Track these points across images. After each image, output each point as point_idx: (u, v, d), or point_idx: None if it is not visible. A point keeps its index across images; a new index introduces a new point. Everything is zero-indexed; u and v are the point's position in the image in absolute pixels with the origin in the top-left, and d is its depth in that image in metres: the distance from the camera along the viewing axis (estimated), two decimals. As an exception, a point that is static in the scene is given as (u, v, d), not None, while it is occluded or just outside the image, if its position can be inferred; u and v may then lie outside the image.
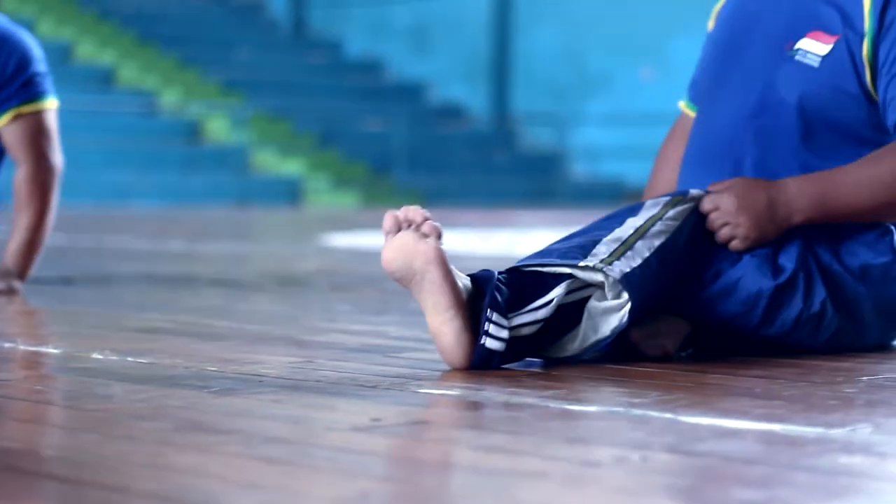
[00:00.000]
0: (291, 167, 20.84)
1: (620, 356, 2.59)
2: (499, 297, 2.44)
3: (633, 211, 2.62)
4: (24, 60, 4.11)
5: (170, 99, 21.81)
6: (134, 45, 23.29)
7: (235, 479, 1.57)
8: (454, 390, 2.27)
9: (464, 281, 2.46)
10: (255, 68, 23.43)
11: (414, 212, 2.43)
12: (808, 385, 2.34)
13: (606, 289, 2.48)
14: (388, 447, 1.81)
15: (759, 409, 2.07)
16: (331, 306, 3.97)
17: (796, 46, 2.79)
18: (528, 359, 2.54)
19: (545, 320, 2.47)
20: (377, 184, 20.78)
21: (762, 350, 2.70)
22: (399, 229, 2.43)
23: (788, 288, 2.65)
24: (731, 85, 2.87)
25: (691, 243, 2.62)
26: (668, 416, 2.00)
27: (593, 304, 2.50)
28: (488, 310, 2.42)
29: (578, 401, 2.19)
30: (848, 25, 2.75)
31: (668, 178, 3.08)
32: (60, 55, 22.07)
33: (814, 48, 2.77)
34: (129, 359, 2.60)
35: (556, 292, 2.47)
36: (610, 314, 2.49)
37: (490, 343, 2.42)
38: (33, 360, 2.70)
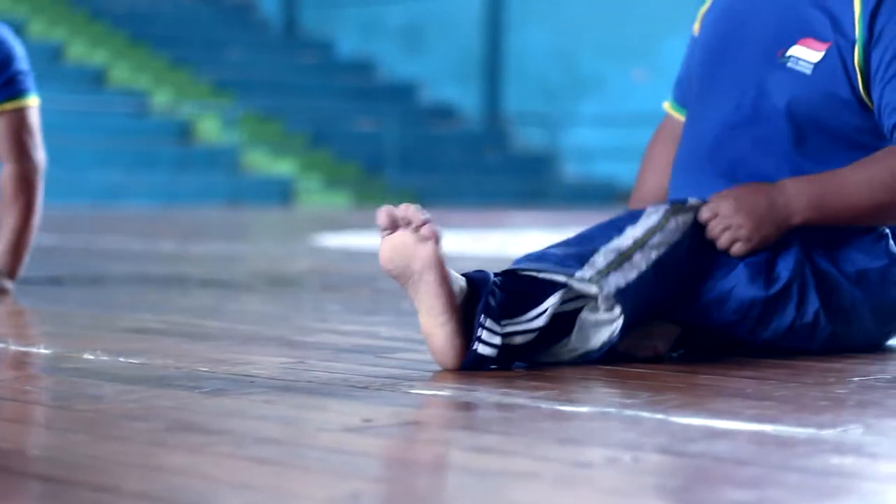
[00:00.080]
0: (283, 167, 20.83)
1: (611, 358, 2.59)
2: (492, 303, 2.44)
3: (633, 219, 2.58)
4: (6, 58, 4.10)
5: (161, 99, 21.80)
6: (125, 45, 23.27)
7: (226, 480, 1.57)
8: (446, 391, 2.27)
9: (459, 283, 2.46)
10: (246, 68, 23.42)
11: (413, 212, 2.42)
12: (800, 386, 2.34)
13: (599, 301, 2.48)
14: (379, 448, 1.81)
15: (750, 410, 2.07)
16: (322, 306, 3.97)
17: (788, 53, 2.78)
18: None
19: (539, 329, 2.47)
20: (369, 184, 20.78)
21: (754, 352, 2.70)
22: (395, 226, 2.42)
23: (782, 298, 2.65)
24: (721, 89, 2.87)
25: (690, 254, 2.61)
26: (660, 416, 2.00)
27: (586, 315, 2.50)
28: (482, 315, 2.42)
29: (570, 401, 2.19)
30: (838, 32, 2.74)
31: (656, 180, 3.07)
32: (52, 55, 22.06)
33: (805, 55, 2.76)
34: (121, 359, 2.60)
35: (551, 301, 2.47)
36: (601, 327, 2.50)
37: (482, 349, 2.42)
38: (24, 361, 2.69)
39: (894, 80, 2.70)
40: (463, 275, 2.49)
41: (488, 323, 2.42)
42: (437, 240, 2.40)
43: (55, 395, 2.25)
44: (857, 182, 2.69)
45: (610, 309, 2.48)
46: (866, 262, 2.73)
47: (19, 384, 2.37)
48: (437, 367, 2.46)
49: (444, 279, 2.40)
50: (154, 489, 1.51)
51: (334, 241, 8.55)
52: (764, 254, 2.67)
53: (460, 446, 1.83)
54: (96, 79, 22.15)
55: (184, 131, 21.18)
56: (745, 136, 2.80)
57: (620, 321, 2.48)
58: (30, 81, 4.16)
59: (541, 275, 2.50)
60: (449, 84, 24.88)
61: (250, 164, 20.91)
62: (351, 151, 21.50)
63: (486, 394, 2.21)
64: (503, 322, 2.45)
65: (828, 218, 2.70)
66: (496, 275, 2.50)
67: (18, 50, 4.17)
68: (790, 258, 2.67)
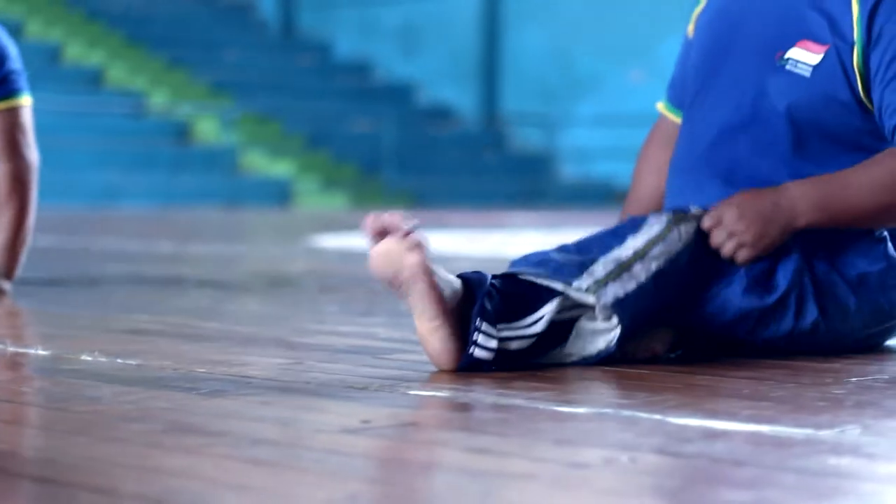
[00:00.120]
0: (281, 168, 20.83)
1: (609, 359, 2.59)
2: (488, 306, 2.44)
3: (635, 228, 2.57)
4: None
5: (158, 100, 21.79)
6: (123, 45, 23.26)
7: (224, 481, 1.57)
8: (443, 392, 2.27)
9: (454, 286, 2.46)
10: (244, 69, 23.41)
11: (400, 220, 2.43)
12: (797, 386, 2.34)
13: (596, 311, 2.48)
14: (377, 449, 1.81)
15: (747, 411, 2.07)
16: (320, 307, 3.97)
17: (786, 56, 2.78)
18: (517, 360, 2.55)
19: (536, 336, 2.47)
20: (366, 185, 20.78)
21: (752, 352, 2.70)
22: (383, 234, 2.44)
23: (780, 307, 2.65)
24: (719, 91, 2.86)
25: (692, 264, 2.61)
26: (657, 417, 2.00)
27: (583, 323, 2.50)
28: (478, 319, 2.43)
29: (567, 402, 2.19)
30: (836, 34, 2.74)
31: (652, 182, 3.07)
32: (49, 56, 22.05)
33: (804, 58, 2.76)
34: (118, 360, 2.60)
35: (548, 308, 2.47)
36: (598, 335, 2.50)
37: (478, 353, 2.43)
38: (21, 362, 2.69)
39: (894, 82, 2.70)
40: (459, 275, 2.49)
41: (484, 326, 2.43)
42: (423, 248, 2.42)
43: (52, 397, 2.25)
44: (860, 184, 2.68)
45: (607, 319, 2.48)
46: (865, 266, 2.73)
47: (16, 385, 2.36)
48: (434, 369, 2.46)
49: (433, 286, 2.41)
50: (151, 490, 1.51)
51: (332, 242, 8.55)
52: (764, 262, 2.66)
53: (458, 447, 1.83)
54: (93, 79, 22.15)
55: (181, 132, 21.17)
56: (744, 138, 2.79)
57: (618, 331, 2.48)
58: (23, 81, 4.16)
59: (539, 280, 2.50)
60: (446, 85, 24.88)
61: (248, 164, 20.90)
62: (348, 152, 21.50)
63: (484, 395, 2.21)
64: (500, 326, 2.45)
65: (831, 220, 2.69)
66: (494, 277, 2.50)
67: (12, 49, 4.16)
68: (789, 266, 2.66)
